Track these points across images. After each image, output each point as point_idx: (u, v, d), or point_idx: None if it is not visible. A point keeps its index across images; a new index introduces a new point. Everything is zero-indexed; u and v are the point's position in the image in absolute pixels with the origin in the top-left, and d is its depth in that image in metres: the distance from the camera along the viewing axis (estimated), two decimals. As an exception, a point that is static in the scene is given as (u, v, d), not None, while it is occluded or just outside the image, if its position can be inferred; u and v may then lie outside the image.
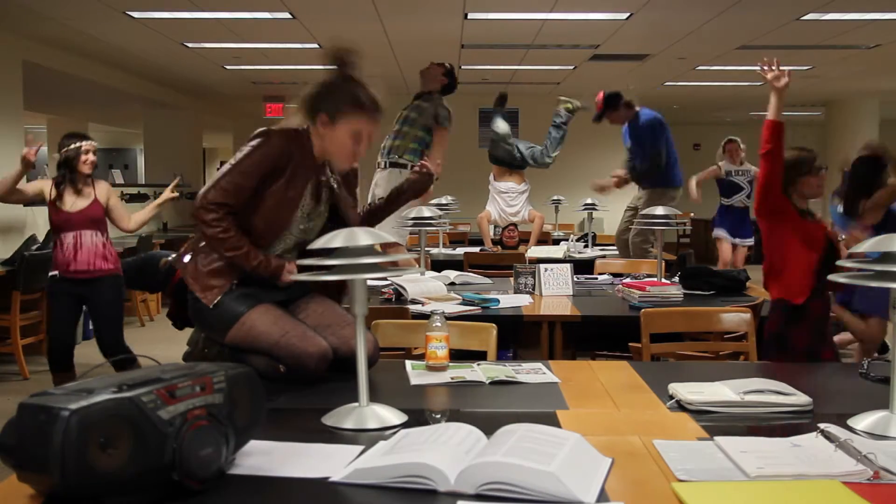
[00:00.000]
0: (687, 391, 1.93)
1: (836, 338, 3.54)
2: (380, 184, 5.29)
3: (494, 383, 2.16)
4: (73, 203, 4.38)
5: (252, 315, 2.20)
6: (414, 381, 2.21)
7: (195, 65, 9.33)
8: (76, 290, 4.41)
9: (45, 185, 4.48)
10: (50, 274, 4.45)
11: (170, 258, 4.24)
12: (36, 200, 4.73)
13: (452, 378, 2.20)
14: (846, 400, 2.11)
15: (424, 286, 3.76)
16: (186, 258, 2.30)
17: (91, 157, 4.41)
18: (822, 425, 1.64)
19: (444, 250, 6.51)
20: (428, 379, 2.21)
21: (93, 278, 4.39)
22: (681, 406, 1.90)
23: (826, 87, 10.87)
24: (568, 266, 4.09)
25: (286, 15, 6.72)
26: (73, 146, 4.40)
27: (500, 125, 6.77)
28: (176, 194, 4.67)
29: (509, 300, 3.72)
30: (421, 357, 2.53)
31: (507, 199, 6.86)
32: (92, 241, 4.39)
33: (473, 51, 8.50)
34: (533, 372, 2.27)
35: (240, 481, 1.42)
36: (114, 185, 7.18)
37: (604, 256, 5.77)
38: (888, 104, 12.20)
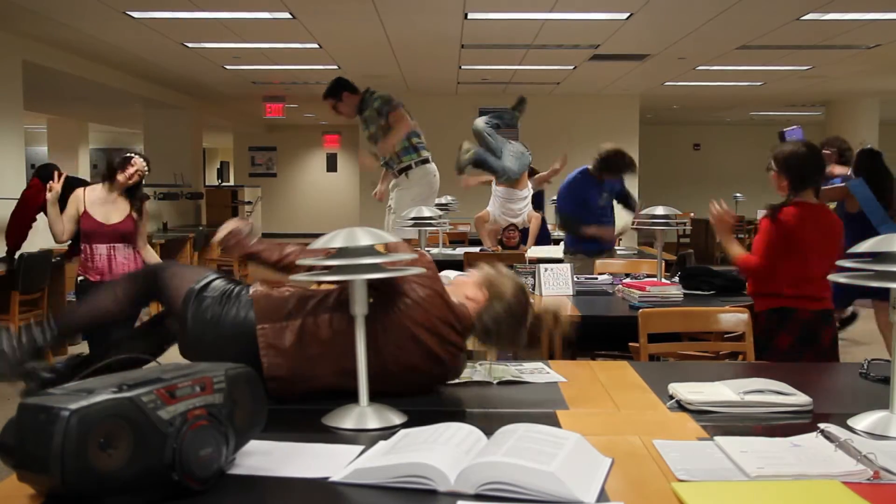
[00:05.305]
0: (687, 391, 1.93)
1: None
2: (393, 191, 5.56)
3: (502, 383, 2.15)
4: (106, 214, 4.36)
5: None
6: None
7: (195, 65, 9.33)
8: None
9: (76, 201, 4.40)
10: (79, 279, 4.42)
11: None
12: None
13: (454, 378, 2.19)
14: (846, 400, 2.12)
15: None
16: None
17: (132, 170, 4.37)
18: (822, 425, 1.64)
19: (444, 250, 6.50)
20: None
21: None
22: (681, 406, 1.90)
23: (826, 87, 10.88)
24: (568, 266, 4.09)
25: (286, 15, 6.72)
26: (125, 156, 4.44)
27: (461, 159, 6.53)
28: None
29: (509, 300, 3.70)
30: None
31: (509, 204, 6.79)
32: (125, 254, 4.39)
33: (473, 51, 8.50)
34: (536, 371, 2.27)
35: (240, 481, 1.42)
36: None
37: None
38: (888, 104, 12.21)
